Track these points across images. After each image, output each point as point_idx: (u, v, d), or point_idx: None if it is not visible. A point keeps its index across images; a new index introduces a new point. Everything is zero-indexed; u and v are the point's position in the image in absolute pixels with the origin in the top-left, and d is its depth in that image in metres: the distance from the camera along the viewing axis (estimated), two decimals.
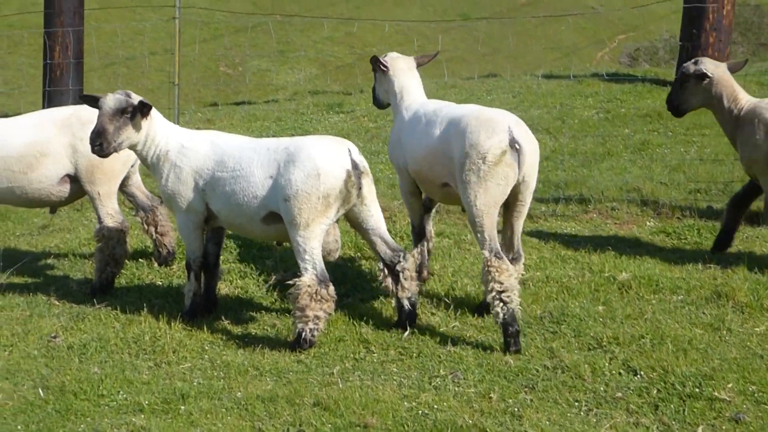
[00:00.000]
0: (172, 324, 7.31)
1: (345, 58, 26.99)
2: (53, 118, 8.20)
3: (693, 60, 8.14)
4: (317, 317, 6.77)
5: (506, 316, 6.57)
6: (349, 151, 6.85)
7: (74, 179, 8.13)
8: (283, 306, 7.66)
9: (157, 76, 25.29)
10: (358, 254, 8.61)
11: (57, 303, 7.98)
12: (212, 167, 7.11)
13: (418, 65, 7.82)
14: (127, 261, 8.47)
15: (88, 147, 7.91)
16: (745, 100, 7.91)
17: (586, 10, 27.26)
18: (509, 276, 6.62)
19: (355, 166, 6.81)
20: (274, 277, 8.12)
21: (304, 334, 6.78)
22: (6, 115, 9.45)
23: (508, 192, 6.74)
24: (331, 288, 6.81)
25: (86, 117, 8.06)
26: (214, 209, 7.15)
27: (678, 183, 10.22)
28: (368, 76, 8.59)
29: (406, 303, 7.03)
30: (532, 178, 6.87)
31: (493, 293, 6.58)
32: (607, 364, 6.40)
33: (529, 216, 9.61)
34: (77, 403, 6.26)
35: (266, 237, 7.32)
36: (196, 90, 21.82)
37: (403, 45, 26.32)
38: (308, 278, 6.74)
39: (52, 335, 7.30)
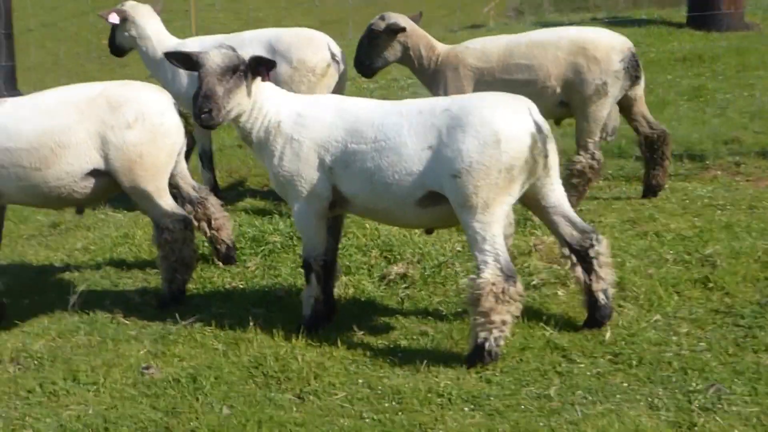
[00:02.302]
0: (293, 341, 5.77)
1: (231, 25, 25.51)
2: (74, 98, 6.45)
3: (379, 16, 7.79)
4: (504, 322, 5.29)
5: None
6: (530, 110, 5.37)
7: (103, 173, 6.47)
8: (418, 306, 6.19)
9: (38, 53, 23.25)
10: None
11: (126, 322, 6.37)
12: (343, 138, 5.56)
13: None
14: None
15: (122, 136, 6.29)
16: (441, 47, 7.79)
17: None
18: None
19: (539, 128, 5.33)
20: (392, 269, 6.61)
21: (488, 344, 5.29)
22: None
23: None
24: (519, 285, 5.30)
25: (118, 97, 6.37)
26: (347, 192, 5.60)
27: None
28: None
29: (601, 296, 5.59)
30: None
31: None
32: None
33: (638, 177, 8.32)
34: None
35: (418, 224, 5.78)
36: (80, 65, 19.96)
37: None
38: (491, 274, 5.23)
39: (144, 366, 5.69)
